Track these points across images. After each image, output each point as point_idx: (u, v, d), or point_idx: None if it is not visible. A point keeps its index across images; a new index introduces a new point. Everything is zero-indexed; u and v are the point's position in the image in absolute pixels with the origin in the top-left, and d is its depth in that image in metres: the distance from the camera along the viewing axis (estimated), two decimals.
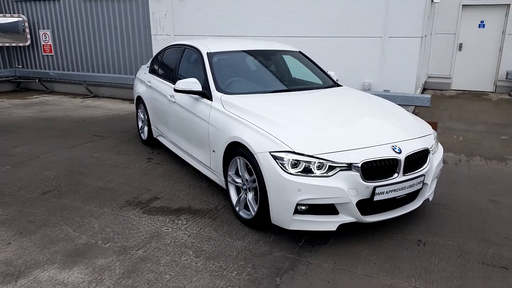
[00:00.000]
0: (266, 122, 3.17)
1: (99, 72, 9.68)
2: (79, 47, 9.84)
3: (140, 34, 8.96)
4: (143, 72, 5.65)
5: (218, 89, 3.83)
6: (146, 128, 5.50)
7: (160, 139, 5.14)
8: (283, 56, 4.80)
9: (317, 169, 2.83)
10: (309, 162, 2.83)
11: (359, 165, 2.83)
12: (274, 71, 4.57)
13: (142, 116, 5.63)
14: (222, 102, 3.65)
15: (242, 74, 4.29)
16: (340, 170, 2.83)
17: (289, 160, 2.84)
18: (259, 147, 2.99)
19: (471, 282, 2.60)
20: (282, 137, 2.97)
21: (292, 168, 2.84)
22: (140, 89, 5.50)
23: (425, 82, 10.28)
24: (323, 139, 2.97)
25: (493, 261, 2.83)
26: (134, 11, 8.88)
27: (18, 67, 10.83)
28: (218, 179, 3.72)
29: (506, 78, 9.55)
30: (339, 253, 2.92)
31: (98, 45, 9.57)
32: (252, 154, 3.04)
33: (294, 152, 2.86)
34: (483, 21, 9.71)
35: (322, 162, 2.83)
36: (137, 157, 5.11)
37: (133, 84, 8.70)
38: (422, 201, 3.27)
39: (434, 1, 8.42)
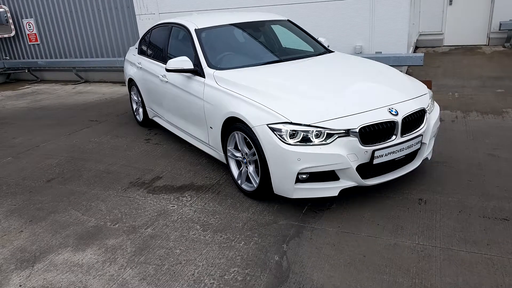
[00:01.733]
0: (261, 95, 3.17)
1: (87, 57, 9.53)
2: (64, 33, 9.63)
3: (124, 15, 8.75)
4: (132, 54, 5.58)
5: (210, 65, 3.80)
6: (141, 110, 5.48)
7: (156, 119, 5.14)
8: (272, 26, 4.73)
9: (315, 138, 2.86)
10: (307, 131, 2.85)
11: (357, 130, 2.86)
12: (264, 43, 4.51)
13: (135, 98, 5.60)
14: (215, 78, 3.63)
15: (232, 48, 4.24)
16: (338, 137, 2.86)
17: (287, 131, 2.86)
18: (257, 121, 3.01)
19: (473, 235, 2.69)
20: (278, 108, 2.98)
21: (290, 138, 2.86)
22: (131, 71, 5.45)
23: (417, 40, 10.16)
24: (319, 108, 2.98)
25: (494, 214, 2.91)
26: None
27: (6, 59, 10.64)
28: (218, 154, 3.75)
29: (499, 30, 9.42)
30: (342, 217, 3.00)
31: (83, 30, 9.37)
32: (250, 128, 3.06)
33: (291, 123, 2.88)
34: None
35: (320, 130, 2.85)
36: (135, 139, 5.13)
37: (122, 67, 8.63)
38: (421, 160, 3.33)
39: None
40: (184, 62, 3.81)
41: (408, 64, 6.41)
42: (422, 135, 3.20)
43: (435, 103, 3.66)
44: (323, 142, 2.86)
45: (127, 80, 5.68)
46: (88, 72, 9.70)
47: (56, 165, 4.45)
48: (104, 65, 8.97)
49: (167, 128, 4.84)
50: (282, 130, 2.87)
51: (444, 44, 10.24)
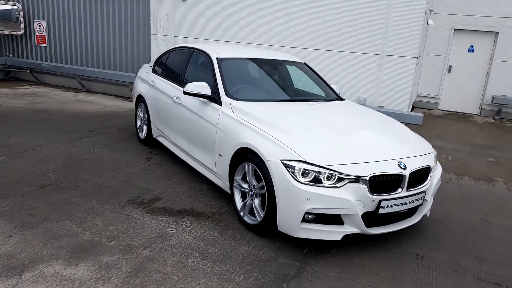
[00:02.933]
0: (277, 130, 3.24)
1: (93, 67, 9.59)
2: (75, 40, 9.73)
3: (139, 32, 8.94)
4: (145, 72, 5.65)
5: (227, 94, 3.88)
6: (145, 127, 5.49)
7: (160, 139, 5.13)
8: (287, 66, 4.90)
9: (326, 180, 2.91)
10: (319, 172, 2.90)
11: (367, 178, 2.93)
12: (280, 81, 4.66)
13: (141, 115, 5.61)
14: (232, 107, 3.70)
15: (250, 81, 4.36)
16: (348, 182, 2.92)
17: (300, 169, 2.91)
18: (271, 155, 3.05)
19: None
20: (293, 146, 3.04)
21: (302, 177, 2.91)
22: (141, 88, 5.50)
23: (415, 100, 10.57)
24: (333, 151, 3.06)
25: (487, 278, 2.96)
26: (134, 9, 8.86)
27: (8, 56, 10.61)
28: (223, 183, 3.75)
29: (491, 102, 9.92)
30: (343, 263, 3.00)
31: (94, 40, 9.49)
32: (263, 161, 3.10)
33: (305, 162, 2.93)
34: (472, 46, 10.09)
35: (332, 173, 2.91)
36: (135, 156, 5.09)
37: (128, 82, 8.71)
38: (421, 216, 3.40)
39: (429, 24, 8.70)
40: (202, 87, 3.88)
41: (408, 122, 6.65)
42: (425, 191, 3.29)
43: (438, 164, 3.79)
44: (333, 185, 2.91)
45: (136, 96, 5.71)
46: (91, 82, 9.72)
47: (52, 172, 4.36)
48: (109, 78, 9.03)
49: (170, 149, 4.83)
50: (295, 168, 2.92)
51: (439, 108, 10.68)
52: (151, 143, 5.47)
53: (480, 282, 2.90)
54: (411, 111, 9.60)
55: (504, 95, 9.79)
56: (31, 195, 3.75)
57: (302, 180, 2.90)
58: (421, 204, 3.33)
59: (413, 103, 10.36)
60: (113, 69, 9.41)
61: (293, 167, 2.93)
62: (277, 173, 2.98)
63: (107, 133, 6.04)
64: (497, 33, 9.74)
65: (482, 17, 9.76)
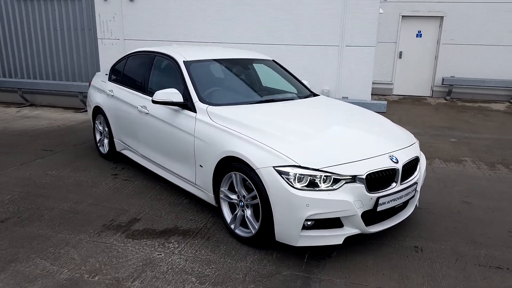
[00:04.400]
0: (264, 135, 3.05)
1: (36, 79, 8.80)
2: (12, 50, 8.86)
3: (84, 37, 8.29)
4: (101, 80, 5.20)
5: (201, 100, 3.62)
6: (106, 141, 5.06)
7: (126, 152, 4.75)
8: (254, 64, 4.70)
9: (322, 183, 2.77)
10: (315, 176, 2.75)
11: (364, 176, 2.82)
12: (254, 81, 4.45)
13: (101, 128, 5.17)
14: (209, 114, 3.45)
15: (220, 83, 4.11)
16: (345, 183, 2.80)
17: (295, 174, 2.74)
18: (261, 162, 2.85)
19: (476, 284, 2.71)
20: (284, 150, 2.86)
21: (298, 182, 2.74)
22: (98, 99, 5.05)
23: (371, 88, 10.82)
24: (325, 152, 2.92)
25: (488, 262, 2.97)
26: (77, 13, 8.20)
27: None
28: (206, 195, 3.50)
29: (442, 84, 10.37)
30: (347, 267, 2.88)
31: (34, 49, 8.69)
32: (253, 170, 2.90)
33: (300, 166, 2.77)
34: (420, 31, 10.46)
35: (328, 175, 2.77)
36: (100, 173, 4.67)
37: (77, 92, 8.09)
38: (414, 207, 3.36)
39: (379, 12, 8.88)
40: (173, 94, 3.59)
41: (372, 110, 6.70)
42: (417, 182, 3.25)
43: (421, 153, 3.78)
44: (330, 187, 2.77)
45: (92, 107, 5.24)
46: (35, 95, 8.90)
47: (9, 202, 3.87)
48: (57, 89, 8.30)
49: (140, 163, 4.47)
50: (290, 174, 2.74)
51: (394, 93, 11.00)
52: (115, 157, 5.05)
53: (482, 268, 2.90)
54: None
55: (453, 76, 10.26)
56: None
57: (298, 185, 2.73)
58: (413, 196, 3.30)
59: None
60: (59, 79, 8.70)
61: (287, 173, 2.75)
62: (271, 181, 2.79)
63: (63, 151, 5.52)
64: (442, 17, 10.16)
65: (427, 2, 10.12)
